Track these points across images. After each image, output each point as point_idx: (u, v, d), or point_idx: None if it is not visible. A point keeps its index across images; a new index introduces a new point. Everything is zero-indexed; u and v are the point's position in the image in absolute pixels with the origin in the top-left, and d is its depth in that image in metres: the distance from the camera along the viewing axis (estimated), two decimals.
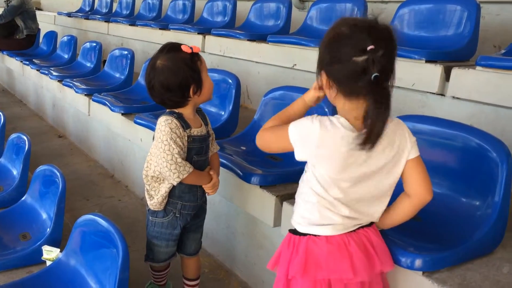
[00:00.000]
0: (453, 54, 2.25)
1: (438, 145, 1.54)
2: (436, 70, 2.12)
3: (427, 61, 2.17)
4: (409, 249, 1.28)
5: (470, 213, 1.42)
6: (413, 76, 2.19)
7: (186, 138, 1.58)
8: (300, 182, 1.31)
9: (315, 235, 1.22)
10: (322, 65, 1.17)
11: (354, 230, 1.22)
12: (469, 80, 2.03)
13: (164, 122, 1.55)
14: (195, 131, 1.61)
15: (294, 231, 1.27)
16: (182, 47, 1.57)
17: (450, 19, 2.41)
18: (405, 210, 1.26)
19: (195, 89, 1.57)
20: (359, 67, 1.08)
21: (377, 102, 1.08)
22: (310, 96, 1.32)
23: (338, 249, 1.19)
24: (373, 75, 1.07)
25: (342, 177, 1.17)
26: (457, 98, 2.09)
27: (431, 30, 2.49)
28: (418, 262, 1.25)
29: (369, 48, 1.07)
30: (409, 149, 1.21)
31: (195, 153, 1.62)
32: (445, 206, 1.47)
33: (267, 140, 1.32)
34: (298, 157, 1.20)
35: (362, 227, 1.24)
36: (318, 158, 1.18)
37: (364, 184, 1.20)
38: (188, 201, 1.66)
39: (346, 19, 1.16)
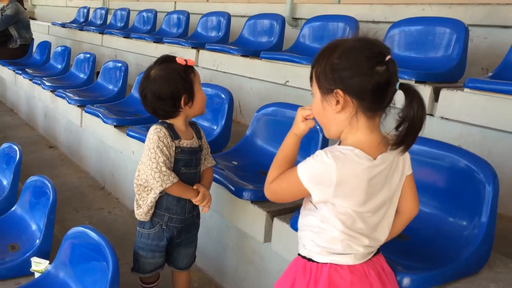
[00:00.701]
0: (442, 76, 2.30)
1: (427, 165, 1.57)
2: (425, 91, 2.16)
3: (416, 82, 2.21)
4: (398, 268, 1.29)
5: (457, 233, 1.44)
6: (402, 96, 2.22)
7: (173, 148, 1.60)
8: (305, 214, 1.23)
9: (336, 264, 1.15)
10: (336, 82, 1.08)
11: (370, 259, 1.18)
12: (458, 102, 2.08)
13: (153, 131, 1.59)
14: (185, 142, 1.63)
15: (309, 258, 1.20)
16: (177, 59, 1.61)
17: (440, 41, 2.47)
18: (397, 227, 1.24)
19: (186, 99, 1.60)
20: (383, 78, 1.06)
21: (419, 103, 1.07)
22: (302, 129, 1.22)
23: (360, 280, 1.14)
24: (397, 84, 1.07)
25: (365, 209, 1.12)
26: (446, 118, 2.13)
27: (420, 52, 2.55)
28: (406, 281, 1.27)
29: (387, 58, 1.06)
30: (408, 165, 1.19)
31: (183, 165, 1.63)
32: (433, 225, 1.50)
33: (278, 193, 1.23)
34: (316, 199, 1.13)
35: (375, 254, 1.21)
36: (338, 196, 1.10)
37: (382, 211, 1.16)
38: (175, 214, 1.66)
39: (343, 38, 1.14)
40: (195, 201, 1.66)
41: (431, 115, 2.18)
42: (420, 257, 1.40)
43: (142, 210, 1.65)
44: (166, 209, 1.65)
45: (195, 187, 1.67)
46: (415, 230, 1.49)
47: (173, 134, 1.61)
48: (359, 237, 1.14)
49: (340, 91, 1.08)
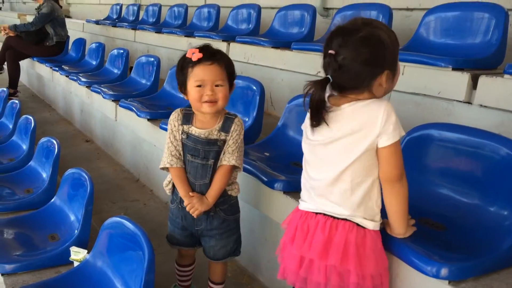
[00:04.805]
0: (481, 62, 2.22)
1: (465, 153, 1.53)
2: (463, 78, 2.10)
3: (453, 69, 2.15)
4: (435, 258, 1.27)
5: (497, 223, 1.40)
6: (439, 84, 2.17)
7: (180, 132, 1.66)
8: None
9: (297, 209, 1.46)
10: (386, 65, 1.29)
11: (316, 214, 1.37)
12: (497, 88, 2.01)
13: (172, 112, 1.70)
14: (194, 130, 1.64)
15: None
16: (189, 50, 1.60)
17: (478, 27, 2.38)
18: (386, 198, 1.32)
19: (182, 89, 1.66)
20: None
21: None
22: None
23: (294, 220, 1.43)
24: None
25: (304, 145, 1.44)
26: (485, 106, 2.06)
27: (457, 38, 2.46)
28: (444, 271, 1.24)
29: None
30: (377, 135, 1.25)
31: (189, 152, 1.66)
32: (471, 215, 1.45)
33: None
34: None
35: (327, 216, 1.34)
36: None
37: (320, 162, 1.37)
38: None
39: (374, 23, 1.37)
40: (185, 203, 1.66)
41: (469, 103, 2.11)
42: (458, 247, 1.36)
43: (165, 181, 1.76)
44: None
45: (191, 194, 1.65)
46: (452, 219, 1.46)
47: (186, 118, 1.66)
48: (307, 178, 1.42)
49: (388, 71, 1.31)
